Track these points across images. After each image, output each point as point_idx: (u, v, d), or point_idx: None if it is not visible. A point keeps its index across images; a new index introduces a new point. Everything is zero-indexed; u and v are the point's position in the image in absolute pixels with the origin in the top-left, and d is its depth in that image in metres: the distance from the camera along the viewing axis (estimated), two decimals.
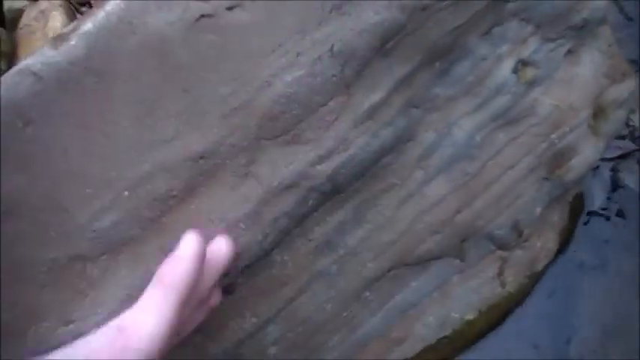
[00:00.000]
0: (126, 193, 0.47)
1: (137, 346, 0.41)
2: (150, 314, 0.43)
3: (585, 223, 0.69)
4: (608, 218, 0.69)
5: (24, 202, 0.46)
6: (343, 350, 0.55)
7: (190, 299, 0.44)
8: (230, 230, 0.49)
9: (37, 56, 0.46)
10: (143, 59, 0.46)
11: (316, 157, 0.49)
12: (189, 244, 0.44)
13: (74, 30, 0.46)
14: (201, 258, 0.44)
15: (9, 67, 0.79)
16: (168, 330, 0.42)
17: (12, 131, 0.46)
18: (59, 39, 0.46)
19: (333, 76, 0.48)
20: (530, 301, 0.63)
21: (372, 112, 0.50)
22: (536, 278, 0.61)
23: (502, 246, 0.58)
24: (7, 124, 0.45)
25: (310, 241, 0.52)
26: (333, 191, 0.51)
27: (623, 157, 0.73)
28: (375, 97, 0.50)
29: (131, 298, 0.48)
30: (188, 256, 0.44)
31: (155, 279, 0.44)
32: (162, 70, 0.46)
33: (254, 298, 0.52)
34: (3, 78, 0.46)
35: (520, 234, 0.58)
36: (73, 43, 0.45)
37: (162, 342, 0.42)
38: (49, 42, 0.46)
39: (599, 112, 0.59)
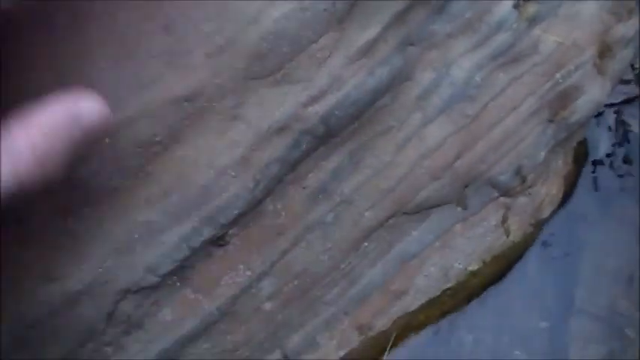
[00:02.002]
0: (106, 139, 0.42)
1: None
2: None
3: (591, 171, 0.65)
4: (612, 165, 0.65)
5: None
6: (342, 304, 0.52)
7: None
8: (219, 178, 0.45)
9: None
10: None
11: (308, 98, 0.45)
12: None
13: None
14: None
15: None
16: None
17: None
18: None
19: (324, 9, 0.44)
20: (534, 250, 0.59)
21: (366, 49, 0.46)
22: (540, 226, 0.57)
23: (505, 192, 0.54)
24: None
25: (304, 188, 0.48)
26: (327, 134, 0.47)
27: (627, 101, 0.69)
28: (370, 32, 0.46)
29: (118, 252, 0.44)
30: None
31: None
32: (141, 7, 0.42)
33: (247, 250, 0.48)
34: None
35: (524, 179, 0.54)
36: None
37: None
38: None
39: (605, 51, 0.55)
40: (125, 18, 0.42)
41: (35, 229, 0.44)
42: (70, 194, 0.44)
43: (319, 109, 0.45)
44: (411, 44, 0.48)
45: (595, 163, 0.64)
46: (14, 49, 0.42)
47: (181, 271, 0.47)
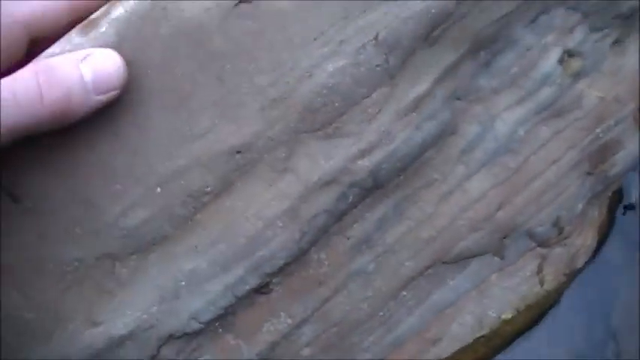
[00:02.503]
0: (158, 189, 0.43)
1: None
2: None
3: (623, 214, 0.64)
4: None
5: (48, 198, 0.42)
6: (378, 350, 0.51)
7: None
8: (267, 228, 0.45)
9: (63, 43, 0.41)
10: (177, 47, 0.42)
11: (358, 152, 0.45)
12: None
13: (104, 15, 0.41)
14: None
15: None
16: None
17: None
18: (89, 25, 0.41)
19: (377, 66, 0.44)
20: (567, 299, 0.59)
21: (416, 104, 0.46)
22: (574, 276, 0.57)
23: (542, 243, 0.53)
24: None
25: (348, 239, 0.48)
26: (374, 187, 0.46)
27: None
28: (420, 88, 0.45)
29: (163, 299, 0.44)
30: None
31: None
32: (197, 59, 0.42)
33: (289, 299, 0.47)
34: None
35: (561, 231, 0.53)
36: (102, 30, 0.41)
37: None
38: (77, 28, 0.42)
39: None
40: (181, 69, 0.41)
41: (82, 272, 0.43)
42: (118, 241, 0.43)
43: (368, 162, 0.45)
44: (458, 98, 0.48)
45: (626, 208, 0.64)
46: None
47: (224, 317, 0.46)
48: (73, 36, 0.41)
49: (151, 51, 0.41)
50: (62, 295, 0.43)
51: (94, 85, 0.39)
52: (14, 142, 0.38)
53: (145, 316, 0.45)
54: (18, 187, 0.41)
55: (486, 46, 0.48)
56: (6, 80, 0.36)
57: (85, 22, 0.42)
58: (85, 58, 0.39)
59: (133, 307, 0.44)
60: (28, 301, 0.43)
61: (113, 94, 0.40)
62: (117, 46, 0.40)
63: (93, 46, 0.40)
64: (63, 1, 0.41)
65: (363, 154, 0.45)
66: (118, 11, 0.41)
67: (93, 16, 0.42)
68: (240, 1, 0.41)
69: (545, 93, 0.50)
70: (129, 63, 0.41)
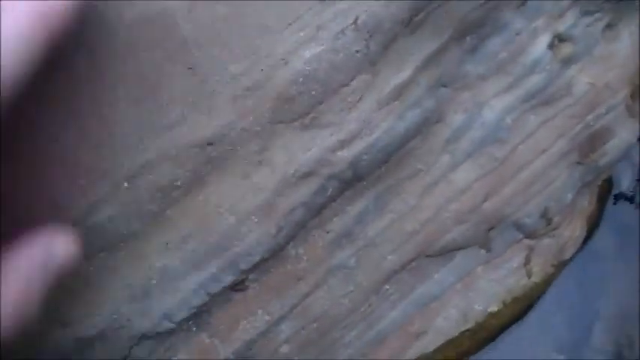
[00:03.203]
0: (125, 184, 0.40)
1: None
2: None
3: (614, 204, 0.62)
4: (632, 200, 0.62)
5: (10, 197, 0.39)
6: (360, 346, 0.49)
7: None
8: (241, 223, 0.42)
9: None
10: (142, 34, 0.38)
11: (337, 142, 0.42)
12: None
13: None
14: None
15: None
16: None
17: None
18: None
19: (357, 51, 0.41)
20: (553, 290, 0.56)
21: (398, 92, 0.43)
22: (561, 267, 0.54)
23: (530, 234, 0.51)
24: None
25: (328, 233, 0.45)
26: (354, 179, 0.44)
27: None
28: (402, 75, 0.42)
29: (133, 298, 0.41)
30: None
31: None
32: (165, 47, 0.38)
33: (267, 295, 0.45)
34: None
35: (549, 222, 0.51)
36: None
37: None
38: None
39: (636, 92, 0.51)
40: (148, 58, 0.38)
41: None
42: (84, 238, 0.40)
43: (348, 153, 0.42)
44: (443, 85, 0.45)
45: (617, 197, 0.62)
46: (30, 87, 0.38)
47: (198, 316, 0.44)
48: None
49: (114, 38, 0.38)
50: None
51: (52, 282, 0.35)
52: None
53: (114, 316, 0.42)
54: None
55: (473, 31, 0.45)
56: None
57: None
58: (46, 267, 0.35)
59: (102, 307, 0.42)
60: None
61: None
62: (78, 34, 0.37)
63: None
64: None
65: (343, 144, 0.42)
66: None
67: None
68: None
69: (535, 79, 0.47)
70: (90, 51, 0.37)
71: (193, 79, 0.39)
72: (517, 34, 0.46)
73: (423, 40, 0.43)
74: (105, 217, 0.40)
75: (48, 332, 0.42)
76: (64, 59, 0.38)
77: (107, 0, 0.37)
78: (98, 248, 0.41)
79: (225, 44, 0.39)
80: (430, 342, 0.51)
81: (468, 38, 0.45)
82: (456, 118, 0.46)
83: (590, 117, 0.50)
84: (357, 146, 0.42)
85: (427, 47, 0.43)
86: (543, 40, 0.47)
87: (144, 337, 0.43)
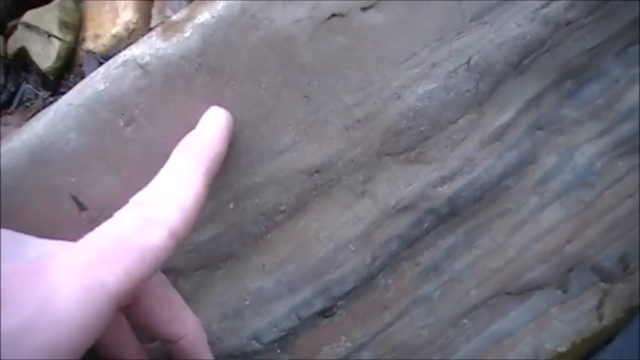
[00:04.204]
0: (231, 205, 0.39)
1: (164, 220, 0.31)
2: (176, 183, 0.32)
3: None
4: None
5: (116, 207, 0.39)
6: None
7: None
8: (339, 251, 0.41)
9: (144, 46, 0.38)
10: (264, 58, 0.38)
11: (439, 178, 0.42)
12: (217, 116, 0.36)
13: (188, 19, 0.38)
14: (229, 133, 0.36)
15: (76, 39, 0.71)
16: (197, 205, 0.32)
17: (111, 129, 0.38)
18: (170, 28, 0.38)
19: (467, 91, 0.40)
20: (622, 334, 0.56)
21: (500, 133, 0.42)
22: (632, 312, 0.54)
23: (606, 278, 0.50)
24: (106, 120, 0.37)
25: (417, 265, 0.44)
26: (450, 214, 0.43)
27: None
28: (506, 116, 0.42)
29: (225, 317, 0.41)
30: (218, 127, 0.36)
31: (179, 146, 0.35)
32: (284, 73, 0.38)
33: (352, 323, 0.44)
34: (105, 68, 0.38)
35: (626, 267, 0.50)
36: (187, 35, 0.37)
37: (191, 221, 0.32)
38: (158, 30, 0.38)
39: None
40: (266, 82, 0.38)
41: None
42: (185, 256, 0.40)
43: (448, 190, 0.42)
44: (540, 128, 0.44)
45: None
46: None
47: (284, 338, 0.43)
48: (155, 40, 0.37)
49: (236, 61, 0.37)
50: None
51: None
52: None
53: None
54: (86, 195, 0.38)
55: (573, 76, 0.44)
56: None
57: (164, 25, 0.38)
58: None
59: None
60: None
61: None
62: (201, 53, 0.37)
63: (174, 52, 0.37)
64: None
65: (444, 180, 0.42)
66: (204, 16, 0.37)
67: (174, 18, 0.38)
68: (332, 15, 0.38)
69: (627, 127, 0.46)
70: (212, 71, 0.37)
71: (308, 107, 0.39)
72: (615, 81, 0.45)
73: (527, 82, 0.42)
74: (208, 235, 0.40)
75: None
76: (185, 79, 0.37)
77: (232, 22, 0.37)
78: (196, 266, 0.40)
79: (341, 75, 0.39)
80: None
81: (568, 83, 0.44)
82: (549, 161, 0.45)
83: None
84: (458, 183, 0.42)
85: (530, 90, 0.43)
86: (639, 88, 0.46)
87: (231, 356, 0.42)
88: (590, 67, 0.44)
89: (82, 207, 0.39)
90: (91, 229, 0.32)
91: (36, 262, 0.29)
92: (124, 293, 0.28)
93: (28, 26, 0.71)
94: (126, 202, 0.39)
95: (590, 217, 0.48)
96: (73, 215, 0.38)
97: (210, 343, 0.42)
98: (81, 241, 0.31)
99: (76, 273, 0.28)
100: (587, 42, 0.43)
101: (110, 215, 0.35)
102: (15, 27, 0.72)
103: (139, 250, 0.29)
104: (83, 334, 0.27)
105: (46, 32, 0.70)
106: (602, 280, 0.50)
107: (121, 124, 0.37)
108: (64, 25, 0.71)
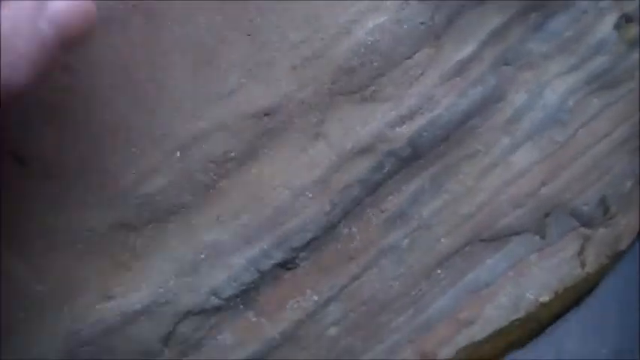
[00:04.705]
0: (177, 153, 0.37)
1: None
2: None
3: None
4: None
5: (60, 162, 0.37)
6: (407, 331, 0.46)
7: None
8: (295, 199, 0.39)
9: None
10: None
11: (397, 117, 0.39)
12: None
13: None
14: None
15: None
16: None
17: (46, 80, 0.36)
18: None
19: (422, 23, 0.38)
20: (606, 281, 0.53)
21: (461, 68, 0.40)
22: (616, 258, 0.51)
23: (586, 223, 0.48)
24: None
25: (382, 212, 0.42)
26: (413, 157, 0.41)
27: None
28: (466, 50, 0.40)
29: (181, 272, 0.39)
30: None
31: None
32: (224, 10, 0.36)
33: (317, 275, 0.42)
34: None
35: (607, 210, 0.48)
36: None
37: None
38: None
39: None
40: (206, 22, 0.36)
41: (95, 242, 0.38)
42: (134, 209, 0.38)
43: (407, 129, 0.40)
44: (506, 63, 0.42)
45: None
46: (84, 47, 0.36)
47: (246, 293, 0.41)
48: None
49: (172, 2, 0.35)
50: (73, 266, 0.38)
51: (57, 39, 0.28)
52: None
53: (161, 291, 0.40)
54: (25, 149, 0.36)
55: (538, 8, 0.42)
56: None
57: None
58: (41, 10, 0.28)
59: (148, 281, 0.40)
60: (37, 272, 0.38)
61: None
62: None
63: None
64: None
65: (403, 120, 0.40)
66: None
67: None
68: None
69: (599, 61, 0.44)
70: (148, 14, 0.35)
71: (252, 47, 0.37)
72: (583, 12, 0.43)
73: (488, 14, 0.40)
74: (155, 187, 0.38)
75: (91, 305, 0.39)
76: (120, 22, 0.35)
77: None
78: (146, 220, 0.39)
79: (286, 11, 0.36)
80: (479, 331, 0.48)
81: (533, 15, 0.42)
82: (518, 98, 0.43)
83: None
84: (418, 122, 0.40)
85: (492, 22, 0.40)
86: (610, 20, 0.44)
87: (189, 313, 0.41)
88: None
89: (21, 161, 0.37)
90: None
91: None
92: None
93: None
94: (68, 154, 0.37)
95: (565, 157, 0.45)
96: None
97: (168, 300, 0.40)
98: None
99: None
100: None
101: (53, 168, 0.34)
102: None
103: None
104: None
105: None
106: (582, 225, 0.48)
107: (56, 72, 0.35)
108: None
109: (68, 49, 0.29)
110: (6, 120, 0.35)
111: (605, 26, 0.44)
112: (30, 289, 0.38)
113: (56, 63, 0.29)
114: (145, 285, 0.39)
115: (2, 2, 0.28)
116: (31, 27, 0.27)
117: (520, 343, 0.50)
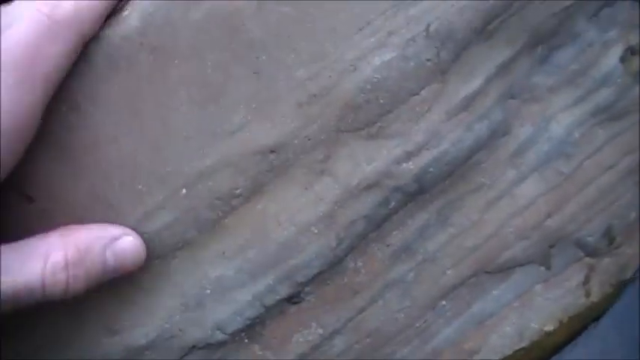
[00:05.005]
0: (183, 190, 0.37)
1: None
2: None
3: None
4: None
5: (66, 199, 0.37)
6: None
7: None
8: (301, 234, 0.39)
9: None
10: (208, 35, 0.36)
11: (403, 154, 0.39)
12: None
13: None
14: None
15: None
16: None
17: (54, 117, 0.36)
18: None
19: (428, 60, 0.38)
20: (611, 310, 0.53)
21: (467, 103, 0.40)
22: (621, 287, 0.51)
23: (591, 253, 0.47)
24: (48, 108, 0.35)
25: (388, 246, 0.42)
26: (418, 192, 0.41)
27: None
28: (472, 85, 0.39)
29: (186, 307, 0.38)
30: None
31: None
32: (231, 48, 0.36)
33: (322, 308, 0.42)
34: None
35: (612, 241, 0.47)
36: (125, 13, 0.35)
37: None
38: None
39: None
40: (212, 59, 0.36)
41: None
42: None
43: (413, 166, 0.39)
44: (512, 97, 0.42)
45: None
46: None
47: (251, 327, 0.41)
48: None
49: (179, 38, 0.35)
50: (80, 300, 0.38)
51: (113, 270, 0.36)
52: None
53: (166, 326, 0.39)
54: (32, 186, 0.36)
55: (545, 41, 0.41)
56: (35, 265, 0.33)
57: None
58: (111, 242, 0.35)
59: (153, 316, 0.39)
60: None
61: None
62: (142, 33, 0.35)
63: (114, 33, 0.35)
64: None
65: (409, 156, 0.39)
66: None
67: None
68: None
69: (605, 93, 0.44)
70: (155, 51, 0.35)
71: (257, 84, 0.36)
72: (589, 45, 0.43)
73: (494, 49, 0.40)
74: (161, 223, 0.38)
75: (97, 339, 0.39)
76: (127, 59, 0.35)
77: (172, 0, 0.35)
78: (153, 255, 0.38)
79: (292, 48, 0.36)
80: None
81: (539, 48, 0.41)
82: (523, 131, 0.43)
83: None
84: (424, 158, 0.39)
85: (499, 57, 0.40)
86: (615, 53, 0.43)
87: (195, 347, 0.40)
88: (561, 30, 0.41)
89: (30, 199, 0.37)
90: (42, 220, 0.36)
91: None
92: None
93: None
94: (75, 191, 0.37)
95: (571, 189, 0.45)
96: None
97: (173, 335, 0.40)
98: None
99: None
100: (556, 4, 0.40)
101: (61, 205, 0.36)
102: None
103: None
104: None
105: None
106: (587, 255, 0.48)
107: (64, 109, 0.35)
108: None
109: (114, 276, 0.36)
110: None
111: (611, 59, 0.43)
112: (43, 319, 0.38)
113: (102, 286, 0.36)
114: (150, 320, 0.39)
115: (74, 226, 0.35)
116: (101, 253, 0.35)
117: None
